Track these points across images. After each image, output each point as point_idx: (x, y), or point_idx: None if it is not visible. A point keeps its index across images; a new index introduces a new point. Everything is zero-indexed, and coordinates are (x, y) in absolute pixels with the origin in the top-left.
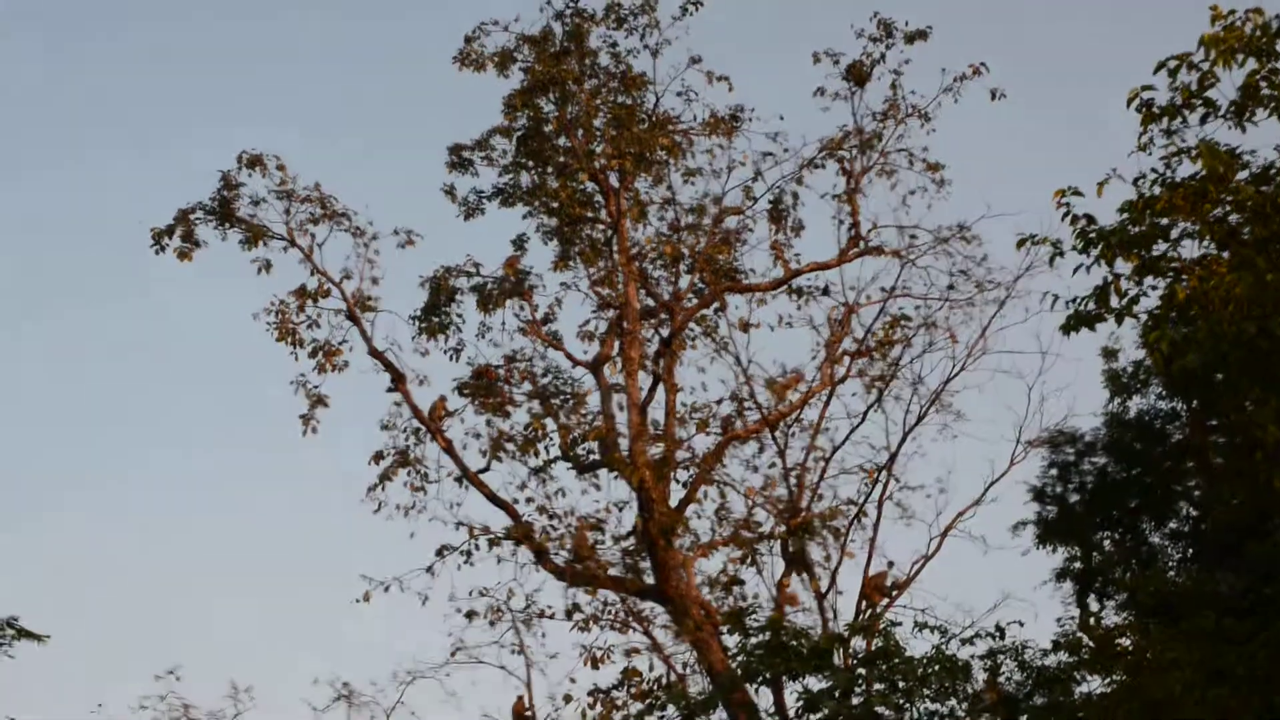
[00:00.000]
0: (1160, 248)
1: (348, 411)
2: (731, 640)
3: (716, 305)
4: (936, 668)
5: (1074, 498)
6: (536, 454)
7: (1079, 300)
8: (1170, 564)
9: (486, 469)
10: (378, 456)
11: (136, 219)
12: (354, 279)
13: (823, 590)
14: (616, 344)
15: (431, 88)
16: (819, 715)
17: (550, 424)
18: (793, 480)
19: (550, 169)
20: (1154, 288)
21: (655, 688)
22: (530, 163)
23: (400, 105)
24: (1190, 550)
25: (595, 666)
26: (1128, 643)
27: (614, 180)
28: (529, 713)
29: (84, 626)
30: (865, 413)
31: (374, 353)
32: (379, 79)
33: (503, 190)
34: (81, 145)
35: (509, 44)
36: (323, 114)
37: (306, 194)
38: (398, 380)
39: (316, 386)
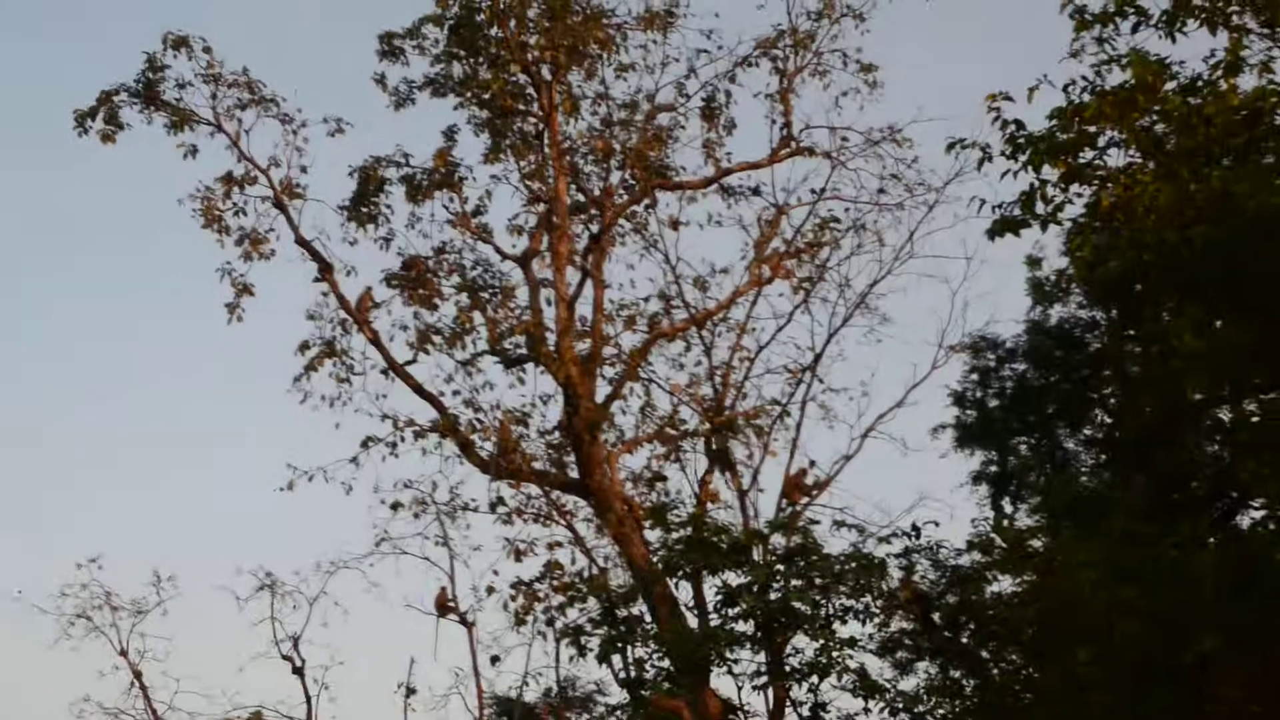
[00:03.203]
0: (1087, 155)
1: (273, 301)
2: (653, 535)
3: (647, 202)
4: (853, 565)
5: (993, 403)
6: (464, 347)
7: (1005, 206)
8: (1084, 469)
9: (413, 361)
10: (303, 346)
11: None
12: (282, 166)
13: (744, 488)
14: (546, 238)
15: None
16: (737, 609)
17: (478, 317)
18: (718, 379)
19: (482, 60)
20: (1079, 195)
21: (577, 580)
22: (462, 53)
23: None
24: (1103, 456)
25: (518, 559)
26: (1039, 544)
27: (546, 73)
28: (451, 604)
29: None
30: (791, 313)
31: (301, 242)
32: None
33: (434, 81)
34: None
35: None
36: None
37: (234, 79)
38: (325, 270)
39: (242, 275)
